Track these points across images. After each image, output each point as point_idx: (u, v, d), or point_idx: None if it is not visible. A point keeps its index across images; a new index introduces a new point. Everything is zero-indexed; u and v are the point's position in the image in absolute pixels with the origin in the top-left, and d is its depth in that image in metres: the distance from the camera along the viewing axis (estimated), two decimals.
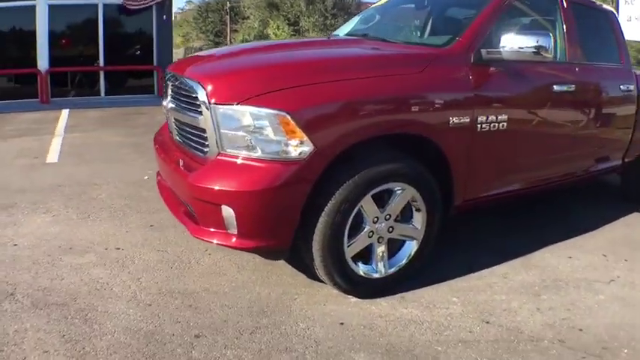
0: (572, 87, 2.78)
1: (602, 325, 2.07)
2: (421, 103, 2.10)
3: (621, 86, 3.24)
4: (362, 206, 2.02)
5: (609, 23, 3.36)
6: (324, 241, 1.96)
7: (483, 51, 2.31)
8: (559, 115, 2.79)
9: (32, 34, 8.64)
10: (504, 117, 2.37)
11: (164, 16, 10.43)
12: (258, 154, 1.85)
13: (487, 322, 2.05)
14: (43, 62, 8.68)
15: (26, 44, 8.82)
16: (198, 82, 1.94)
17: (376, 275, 2.18)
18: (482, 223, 3.26)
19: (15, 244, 2.67)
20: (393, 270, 2.23)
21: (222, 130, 1.87)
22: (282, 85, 1.85)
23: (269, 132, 1.81)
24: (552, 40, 2.30)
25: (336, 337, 1.91)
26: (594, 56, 3.16)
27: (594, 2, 3.43)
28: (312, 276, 2.26)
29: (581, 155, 3.05)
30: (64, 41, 9.25)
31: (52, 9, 8.70)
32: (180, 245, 2.68)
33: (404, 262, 2.25)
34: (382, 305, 2.15)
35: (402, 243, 2.27)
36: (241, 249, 2.00)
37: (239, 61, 2.30)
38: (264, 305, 2.13)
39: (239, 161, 1.88)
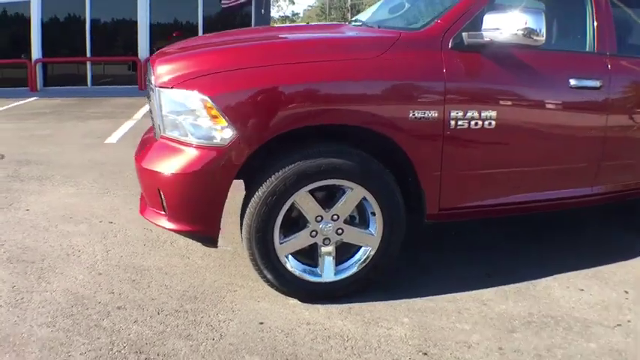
0: (599, 82, 2.37)
1: None
2: (371, 92, 1.95)
3: None
4: (296, 202, 1.98)
5: None
6: (250, 233, 1.96)
7: (465, 35, 2.06)
8: (576, 116, 2.40)
9: (134, 24, 9.94)
10: (492, 114, 2.09)
11: (262, 11, 11.19)
12: (188, 137, 1.91)
13: (425, 354, 1.83)
14: (143, 52, 9.92)
15: (130, 34, 10.17)
16: (152, 67, 2.10)
17: (316, 279, 2.10)
18: (485, 235, 3.00)
19: (27, 209, 3.14)
20: (339, 277, 2.12)
21: (162, 113, 1.99)
22: (213, 70, 1.88)
23: (197, 116, 1.87)
24: (542, 18, 1.94)
25: (244, 335, 1.89)
26: (635, 47, 2.73)
27: None
28: None
29: (612, 169, 2.61)
30: (174, 34, 10.44)
31: (154, 3, 9.92)
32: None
33: (353, 270, 2.12)
34: (319, 312, 2.07)
35: (357, 249, 2.18)
36: (174, 231, 2.10)
37: (195, 46, 2.39)
38: (200, 292, 2.20)
39: (173, 144, 1.96)
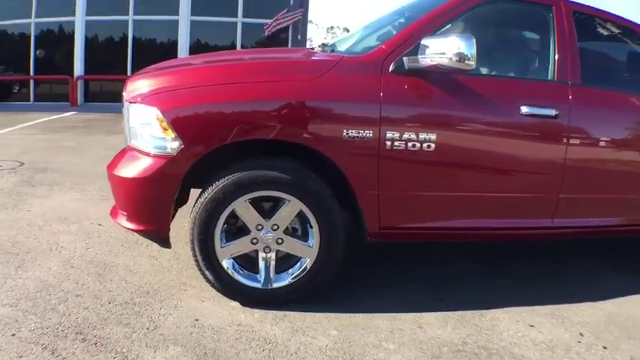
0: (555, 111, 2.49)
1: None
2: (305, 111, 2.18)
3: None
4: (236, 209, 2.24)
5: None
6: (193, 236, 2.23)
7: (406, 59, 2.26)
8: (524, 145, 2.50)
9: (175, 44, 10.79)
10: (432, 137, 2.26)
11: (298, 36, 11.80)
12: (145, 146, 2.24)
13: None
14: None
15: (170, 55, 11.03)
16: (125, 84, 2.48)
17: (254, 285, 2.32)
18: (447, 258, 3.13)
19: (29, 210, 3.58)
20: (277, 285, 2.35)
21: (130, 125, 2.34)
22: (169, 87, 2.21)
23: (152, 128, 2.19)
24: (473, 43, 2.09)
25: (176, 329, 2.13)
26: (606, 79, 2.88)
27: (620, 18, 2.95)
28: None
29: (574, 202, 2.67)
30: None
31: (193, 24, 10.74)
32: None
33: (291, 280, 2.35)
34: (253, 316, 2.28)
35: (298, 259, 2.39)
36: (132, 231, 2.40)
37: (162, 67, 2.74)
38: (154, 289, 2.48)
39: (135, 153, 2.29)
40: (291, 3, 10.16)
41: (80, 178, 4.55)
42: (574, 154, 2.59)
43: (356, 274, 2.82)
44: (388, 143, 2.24)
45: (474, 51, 2.12)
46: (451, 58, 2.13)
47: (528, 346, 2.22)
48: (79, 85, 11.10)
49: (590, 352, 2.26)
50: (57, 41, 11.54)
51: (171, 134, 2.15)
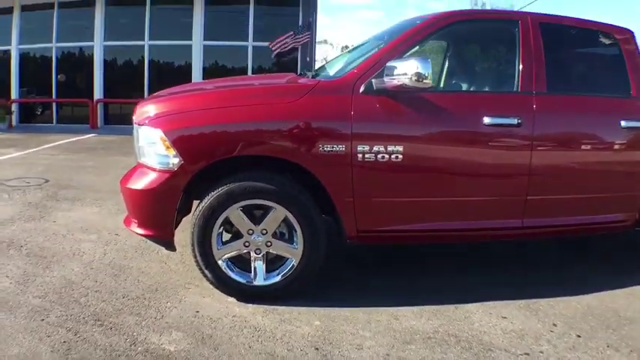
0: (517, 120, 2.80)
1: None
2: (287, 129, 2.57)
3: (623, 122, 3.04)
4: (229, 216, 2.64)
5: (614, 46, 3.21)
6: (194, 239, 2.63)
7: (374, 81, 2.62)
8: (488, 152, 2.81)
9: (189, 68, 11.42)
10: (399, 148, 2.61)
11: (307, 58, 12.34)
12: (152, 162, 2.67)
13: (316, 349, 2.31)
14: None
15: (184, 78, 11.71)
16: (134, 108, 2.94)
17: (249, 282, 2.71)
18: (431, 257, 3.48)
19: (54, 221, 4.07)
20: (267, 282, 2.73)
21: (139, 144, 2.80)
22: (171, 112, 2.66)
23: (157, 146, 2.62)
24: (429, 64, 2.42)
25: (180, 318, 2.53)
26: (575, 85, 3.16)
27: (590, 22, 3.25)
28: None
29: (542, 203, 2.96)
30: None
31: (206, 49, 11.39)
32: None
33: (279, 278, 2.72)
34: (247, 309, 2.67)
35: (286, 260, 2.78)
36: (142, 236, 2.82)
37: (166, 93, 3.18)
38: (163, 287, 2.89)
39: (144, 168, 2.74)
40: (300, 25, 10.71)
41: (99, 194, 5.04)
42: (539, 159, 2.89)
43: (341, 273, 3.20)
44: (360, 156, 2.62)
45: (429, 71, 2.49)
46: (411, 78, 2.50)
47: (498, 335, 2.51)
48: (99, 108, 11.82)
49: (561, 339, 2.50)
50: (77, 65, 12.34)
51: (172, 152, 2.58)
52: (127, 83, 11.87)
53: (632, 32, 3.39)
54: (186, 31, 11.45)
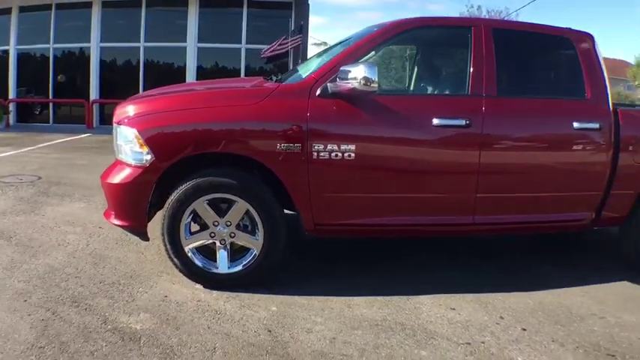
0: (465, 121, 3.03)
1: None
2: (247, 128, 2.86)
3: (575, 124, 3.22)
4: (196, 209, 2.93)
5: (570, 51, 3.38)
6: (163, 229, 2.93)
7: (330, 85, 2.88)
8: (437, 151, 3.05)
9: (183, 69, 11.75)
10: (351, 148, 2.87)
11: (299, 61, 12.63)
12: (128, 159, 2.98)
13: (269, 331, 2.57)
14: None
15: (179, 79, 12.04)
16: (114, 110, 3.24)
17: (214, 270, 3.00)
18: (394, 250, 3.74)
19: (43, 215, 4.38)
20: (231, 271, 3.00)
21: (117, 142, 3.10)
22: (145, 112, 2.96)
23: (132, 144, 2.92)
24: (375, 69, 2.66)
25: (148, 301, 2.81)
26: (528, 88, 3.34)
27: (547, 28, 3.40)
28: None
29: (492, 201, 3.16)
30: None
31: (200, 51, 11.71)
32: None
33: (239, 267, 3.01)
34: (211, 295, 2.94)
35: (249, 250, 3.06)
36: (119, 226, 3.11)
37: (144, 95, 3.48)
38: (137, 275, 3.18)
39: (120, 164, 3.04)
40: (292, 29, 11.00)
41: (88, 191, 5.34)
42: (488, 158, 3.11)
43: (303, 264, 3.49)
44: (315, 154, 2.89)
45: (375, 76, 2.75)
46: (360, 82, 2.77)
47: (443, 325, 2.72)
48: (95, 108, 12.16)
49: (506, 332, 2.67)
50: (74, 66, 12.69)
51: (145, 149, 2.88)
52: (122, 84, 12.17)
53: (592, 37, 3.54)
54: (181, 33, 11.80)
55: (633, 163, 3.39)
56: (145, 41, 11.96)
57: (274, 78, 3.50)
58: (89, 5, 11.92)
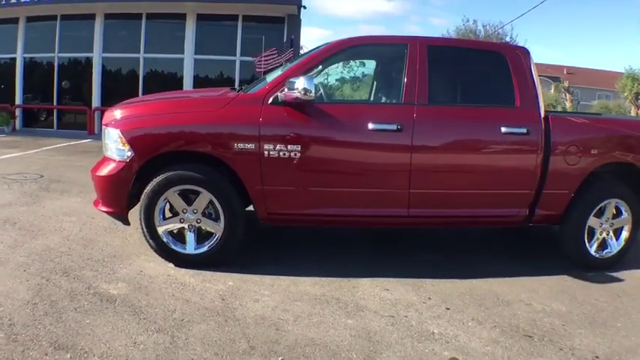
0: (396, 126, 3.51)
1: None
2: (211, 131, 3.44)
3: (503, 128, 3.65)
4: (168, 198, 3.55)
5: (501, 64, 3.81)
6: (141, 215, 3.54)
7: (280, 94, 3.45)
8: (373, 152, 3.57)
9: (181, 78, 12.45)
10: (296, 148, 3.43)
11: None
12: (113, 155, 3.59)
13: (223, 299, 3.14)
14: None
15: (176, 88, 12.73)
16: (103, 114, 3.87)
17: (183, 251, 3.59)
18: (347, 238, 4.28)
19: (43, 207, 5.02)
20: (197, 252, 3.60)
21: (105, 141, 3.73)
22: (128, 116, 3.58)
23: (117, 143, 3.55)
24: (312, 81, 3.22)
25: (126, 275, 3.40)
26: (460, 97, 3.82)
27: (481, 43, 4.03)
28: None
29: (424, 196, 3.65)
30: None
31: (197, 62, 12.42)
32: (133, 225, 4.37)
33: (205, 249, 3.60)
34: (179, 272, 3.52)
35: (213, 234, 3.66)
36: (105, 212, 3.71)
37: (129, 101, 4.05)
38: (120, 254, 3.78)
39: (107, 160, 3.66)
40: (284, 42, 11.70)
41: (84, 188, 5.97)
42: (419, 159, 3.60)
43: (260, 250, 4.09)
44: (266, 153, 3.47)
45: (312, 87, 3.33)
46: (300, 92, 3.36)
47: (374, 301, 3.23)
48: (96, 115, 12.90)
49: (430, 310, 3.09)
50: (77, 75, 13.47)
51: (127, 147, 3.50)
52: (123, 92, 12.83)
53: (525, 50, 3.99)
54: (179, 45, 12.55)
55: (566, 165, 3.79)
56: (145, 52, 12.74)
57: (237, 88, 4.12)
58: (92, 17, 12.72)
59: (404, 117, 3.61)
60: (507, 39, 20.36)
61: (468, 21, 21.12)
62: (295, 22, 12.30)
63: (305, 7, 12.41)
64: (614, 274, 3.95)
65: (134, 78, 13.04)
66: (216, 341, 2.63)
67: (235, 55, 12.62)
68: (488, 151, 3.76)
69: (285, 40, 11.81)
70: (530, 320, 3.08)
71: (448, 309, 3.15)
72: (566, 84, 28.64)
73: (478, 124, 3.77)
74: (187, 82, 12.55)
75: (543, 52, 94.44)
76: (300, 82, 3.34)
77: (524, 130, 3.71)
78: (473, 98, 4.03)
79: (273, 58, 11.10)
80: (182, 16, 12.47)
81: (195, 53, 12.55)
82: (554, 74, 44.31)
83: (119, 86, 13.15)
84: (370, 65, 4.39)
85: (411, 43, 3.80)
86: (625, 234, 4.08)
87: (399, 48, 3.89)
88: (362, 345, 2.68)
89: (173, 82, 12.73)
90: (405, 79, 3.71)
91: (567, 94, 24.91)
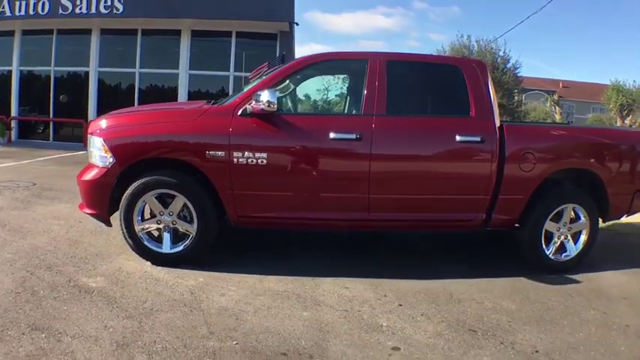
0: (356, 135, 3.83)
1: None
2: (186, 140, 3.80)
3: (458, 137, 3.94)
4: (146, 201, 3.90)
5: (458, 77, 4.11)
6: (121, 216, 3.89)
7: (248, 107, 3.80)
8: (334, 159, 3.91)
9: (175, 93, 12.91)
10: (263, 155, 3.77)
11: None
12: (96, 162, 3.96)
13: (191, 293, 3.46)
14: None
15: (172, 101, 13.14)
16: (89, 124, 4.26)
17: (159, 250, 3.94)
18: (314, 240, 4.66)
19: (34, 211, 5.38)
20: (172, 251, 3.94)
21: (89, 149, 4.10)
22: (111, 126, 3.96)
23: (100, 150, 3.92)
24: (275, 94, 3.58)
25: (106, 270, 3.74)
26: (417, 108, 4.17)
27: (438, 58, 4.41)
28: None
29: (383, 201, 3.95)
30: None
31: (191, 77, 12.89)
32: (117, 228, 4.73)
33: (180, 248, 3.94)
34: (156, 269, 3.85)
35: (188, 235, 4.00)
36: (88, 214, 4.07)
37: (114, 112, 4.41)
38: (102, 253, 4.12)
39: (91, 166, 4.02)
40: (276, 57, 12.15)
41: (75, 195, 6.20)
42: (378, 166, 3.91)
43: (232, 250, 4.42)
44: (235, 160, 3.82)
45: (275, 99, 3.69)
46: (265, 104, 3.73)
47: (333, 298, 3.53)
48: None
49: (383, 306, 3.35)
50: (74, 88, 13.95)
51: (109, 154, 3.87)
52: (119, 106, 13.16)
53: (482, 64, 4.29)
54: (174, 60, 13.04)
55: (520, 171, 4.03)
56: (141, 67, 13.25)
57: (212, 101, 4.50)
58: (89, 32, 13.24)
59: (363, 127, 3.93)
60: (500, 53, 20.89)
61: (462, 36, 21.71)
62: (287, 38, 12.80)
63: (297, 24, 12.94)
64: (573, 277, 4.15)
65: (130, 92, 13.52)
66: (179, 327, 2.96)
67: (229, 71, 13.12)
68: (443, 159, 4.06)
69: (277, 55, 12.28)
70: (477, 317, 3.31)
71: (401, 305, 3.41)
72: (555, 97, 29.15)
73: (434, 133, 4.09)
74: (182, 97, 13.01)
75: (541, 67, 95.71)
76: (265, 95, 3.70)
77: (478, 139, 3.99)
78: (430, 109, 4.36)
79: (264, 73, 11.56)
80: (177, 32, 13.00)
81: (190, 68, 13.06)
82: (550, 88, 45.08)
83: (115, 100, 13.59)
84: (335, 79, 4.81)
85: (372, 58, 4.14)
86: (583, 237, 4.29)
87: (361, 63, 4.21)
88: (312, 334, 2.98)
89: (168, 96, 13.19)
90: (365, 92, 4.05)
91: (557, 107, 25.43)
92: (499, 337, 3.07)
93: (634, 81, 28.83)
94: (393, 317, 3.25)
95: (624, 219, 5.75)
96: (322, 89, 4.74)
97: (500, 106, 19.61)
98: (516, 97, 25.27)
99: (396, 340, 2.97)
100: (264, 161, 3.85)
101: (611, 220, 4.85)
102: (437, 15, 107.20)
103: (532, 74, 45.59)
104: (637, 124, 16.39)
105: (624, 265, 4.59)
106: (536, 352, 2.92)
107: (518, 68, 21.23)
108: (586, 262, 4.38)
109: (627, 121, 17.98)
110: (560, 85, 50.47)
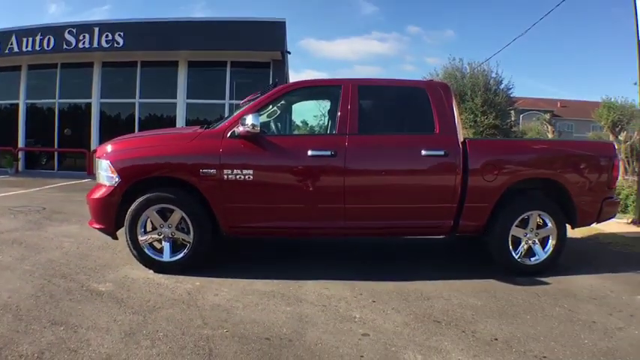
0: (331, 152, 4.35)
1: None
2: (183, 161, 4.36)
3: (423, 152, 4.43)
4: (148, 215, 4.47)
5: (423, 98, 4.62)
6: (126, 229, 4.45)
7: (236, 129, 4.38)
8: (312, 174, 4.41)
9: (173, 121, 13.58)
10: (250, 172, 4.33)
11: None
12: (104, 181, 4.54)
13: (189, 294, 3.98)
14: None
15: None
16: (96, 149, 4.85)
17: (162, 259, 4.47)
18: (302, 248, 5.13)
19: (46, 231, 5.94)
20: (172, 259, 4.47)
21: (98, 171, 4.69)
22: (116, 150, 4.54)
23: (107, 171, 4.51)
24: (258, 117, 4.16)
25: (114, 278, 4.26)
26: (386, 127, 4.71)
27: (405, 81, 4.84)
28: None
29: (357, 211, 4.48)
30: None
31: (189, 106, 13.59)
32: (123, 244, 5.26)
33: (179, 257, 4.49)
34: (157, 276, 4.38)
35: (185, 245, 4.54)
36: (97, 229, 4.62)
37: (118, 138, 5.02)
38: (110, 264, 4.66)
39: (99, 186, 4.61)
40: (270, 84, 12.87)
41: (82, 217, 6.87)
42: (351, 180, 4.46)
43: (227, 259, 4.96)
44: (226, 176, 4.38)
45: (258, 122, 4.26)
46: (249, 127, 4.31)
47: (313, 296, 4.01)
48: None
49: (358, 302, 3.78)
50: (77, 119, 14.68)
51: (115, 174, 4.45)
52: (120, 135, 14.05)
53: (446, 86, 4.81)
54: (172, 90, 13.79)
55: (484, 182, 4.46)
56: (140, 97, 13.99)
57: (205, 126, 5.10)
58: (91, 65, 14.03)
59: (337, 145, 4.49)
60: (493, 75, 21.54)
61: (454, 59, 22.44)
62: (280, 66, 13.53)
63: (289, 53, 13.67)
64: (543, 279, 4.45)
65: (130, 121, 14.23)
66: (178, 319, 3.47)
67: (224, 99, 13.83)
68: (410, 171, 4.60)
69: (270, 82, 13.00)
70: (444, 311, 3.69)
71: (374, 301, 3.84)
72: (547, 116, 29.82)
73: (401, 149, 4.61)
74: (180, 125, 13.68)
75: (539, 87, 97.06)
76: (249, 119, 4.30)
77: (442, 153, 4.49)
78: (398, 127, 4.90)
79: (250, 99, 12.28)
80: (174, 64, 13.77)
81: (187, 97, 13.79)
82: (548, 108, 45.89)
83: (116, 129, 14.28)
84: (315, 103, 5.46)
85: (344, 84, 4.73)
86: (552, 242, 4.65)
87: (335, 89, 4.81)
88: (293, 323, 3.47)
89: (167, 124, 13.87)
90: (339, 113, 4.62)
91: (549, 126, 26.08)
92: (461, 327, 3.44)
93: (622, 97, 29.35)
94: (366, 311, 3.69)
95: (608, 229, 6.28)
96: (302, 112, 5.37)
97: (493, 126, 20.43)
98: (513, 117, 25.92)
99: (367, 328, 3.42)
100: (251, 177, 4.42)
101: (580, 227, 5.13)
102: (431, 39, 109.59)
103: (531, 95, 46.76)
104: (632, 140, 16.78)
105: (599, 270, 4.88)
106: (496, 339, 3.24)
107: (511, 89, 21.86)
108: (561, 266, 4.69)
109: (621, 137, 18.46)
110: (559, 104, 51.31)
